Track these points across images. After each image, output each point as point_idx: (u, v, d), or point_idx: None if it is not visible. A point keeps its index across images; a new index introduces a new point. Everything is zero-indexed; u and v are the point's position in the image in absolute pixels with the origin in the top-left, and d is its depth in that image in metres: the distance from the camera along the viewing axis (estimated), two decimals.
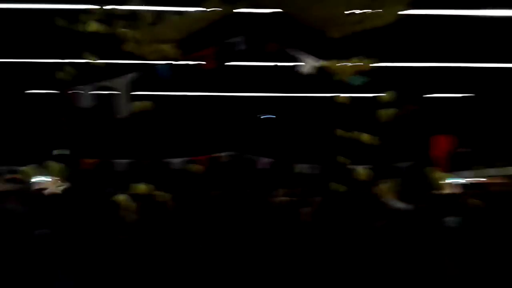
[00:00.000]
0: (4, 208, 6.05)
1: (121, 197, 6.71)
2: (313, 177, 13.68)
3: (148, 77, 7.69)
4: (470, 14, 8.54)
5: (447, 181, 14.80)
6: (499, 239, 4.52)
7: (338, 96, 7.76)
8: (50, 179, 13.56)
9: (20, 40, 9.37)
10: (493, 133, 13.16)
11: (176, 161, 13.61)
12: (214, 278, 4.81)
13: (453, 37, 9.56)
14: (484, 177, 12.08)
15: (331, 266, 4.56)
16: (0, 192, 6.89)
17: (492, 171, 10.96)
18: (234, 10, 6.48)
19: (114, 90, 7.42)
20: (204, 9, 6.40)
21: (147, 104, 6.86)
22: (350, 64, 7.26)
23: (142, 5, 6.54)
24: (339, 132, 8.11)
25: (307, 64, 7.69)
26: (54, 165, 5.24)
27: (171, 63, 7.44)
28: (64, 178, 5.59)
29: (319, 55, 7.50)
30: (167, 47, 6.62)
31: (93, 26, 6.61)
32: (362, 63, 7.22)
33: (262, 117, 15.76)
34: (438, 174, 6.65)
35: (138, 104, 6.85)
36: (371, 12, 5.64)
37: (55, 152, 12.90)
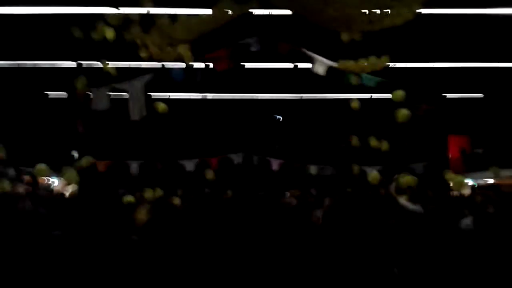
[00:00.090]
0: (21, 209, 6.16)
1: (131, 198, 6.81)
2: (326, 178, 13.64)
3: (163, 79, 7.76)
4: (489, 13, 8.45)
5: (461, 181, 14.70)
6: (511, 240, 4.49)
7: (352, 100, 7.73)
8: (62, 180, 13.75)
9: (35, 44, 9.51)
10: (507, 133, 13.01)
11: (189, 162, 13.67)
12: (225, 279, 4.83)
13: (468, 36, 9.48)
14: (497, 178, 11.95)
15: (343, 268, 4.55)
16: (16, 194, 7.02)
17: (506, 172, 10.82)
18: (247, 11, 6.50)
19: (129, 92, 7.50)
20: (217, 10, 6.44)
21: (164, 106, 6.91)
22: (365, 63, 7.24)
23: (154, 7, 6.60)
24: (355, 140, 8.09)
25: (321, 65, 7.70)
26: (70, 172, 5.31)
27: (185, 66, 7.49)
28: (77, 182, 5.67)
29: (333, 56, 7.50)
30: (181, 49, 6.66)
31: (110, 34, 6.69)
32: (376, 63, 7.20)
33: (276, 117, 15.74)
34: (452, 175, 6.57)
35: (160, 106, 6.91)
36: (390, 11, 5.62)
37: (73, 154, 13.08)
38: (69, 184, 6.35)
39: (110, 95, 7.44)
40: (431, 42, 9.63)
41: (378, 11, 5.79)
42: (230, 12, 6.32)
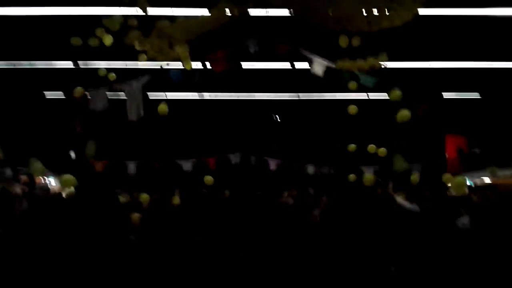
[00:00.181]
0: (18, 209, 6.16)
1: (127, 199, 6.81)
2: (323, 178, 13.68)
3: (161, 80, 7.76)
4: (487, 14, 8.49)
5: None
6: (508, 240, 4.51)
7: (350, 107, 7.75)
8: (57, 181, 13.74)
9: (32, 44, 9.51)
10: (504, 133, 13.06)
11: (186, 162, 13.69)
12: (223, 278, 4.84)
13: (465, 37, 9.52)
14: (494, 178, 11.99)
15: (340, 266, 4.57)
16: (13, 194, 7.02)
17: (503, 171, 10.86)
18: (246, 12, 6.51)
19: (126, 93, 7.50)
20: (215, 11, 6.46)
21: (164, 108, 6.92)
22: (363, 63, 7.26)
23: (149, 7, 6.61)
24: (352, 147, 8.11)
25: (319, 66, 7.71)
26: (67, 176, 5.31)
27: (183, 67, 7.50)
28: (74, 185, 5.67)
29: (331, 57, 7.52)
30: (179, 50, 6.67)
31: (108, 40, 6.72)
32: (375, 61, 7.22)
33: (274, 116, 15.76)
34: (451, 177, 6.59)
35: (161, 107, 6.91)
36: (390, 12, 5.64)
37: (71, 154, 13.07)
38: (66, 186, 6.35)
39: (108, 95, 7.44)
40: (428, 42, 9.66)
41: (376, 12, 5.81)
42: (228, 13, 6.34)
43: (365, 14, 5.68)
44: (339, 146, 14.30)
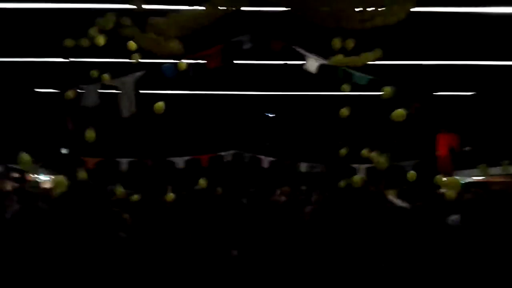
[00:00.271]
0: (8, 206, 6.11)
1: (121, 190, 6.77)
2: (316, 175, 13.71)
3: (153, 76, 7.72)
4: (476, 12, 8.52)
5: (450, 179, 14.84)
6: (499, 238, 4.54)
7: (342, 110, 7.76)
8: (49, 178, 13.67)
9: (25, 39, 9.41)
10: (496, 131, 13.16)
11: (179, 159, 13.65)
12: (216, 276, 4.83)
13: (457, 35, 9.55)
14: (486, 176, 12.08)
15: (332, 264, 4.58)
16: (5, 191, 6.97)
17: (495, 170, 10.95)
18: (239, 8, 6.48)
19: (119, 89, 7.45)
20: (209, 7, 6.42)
21: (161, 105, 6.89)
22: (356, 59, 7.26)
23: (143, 4, 6.56)
24: (343, 152, 8.14)
25: (313, 63, 7.71)
26: (59, 179, 5.26)
27: (176, 62, 7.46)
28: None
29: (325, 54, 7.52)
30: (172, 44, 6.62)
31: (100, 40, 6.67)
32: (369, 56, 7.23)
33: (267, 115, 15.76)
34: (444, 178, 6.64)
35: (158, 105, 6.89)
36: (383, 9, 5.64)
37: (63, 151, 12.99)
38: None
39: (99, 91, 7.39)
40: (421, 40, 9.69)
41: (371, 9, 5.81)
42: (222, 8, 6.31)
43: (358, 11, 5.67)
44: (339, 143, 14.38)
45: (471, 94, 13.65)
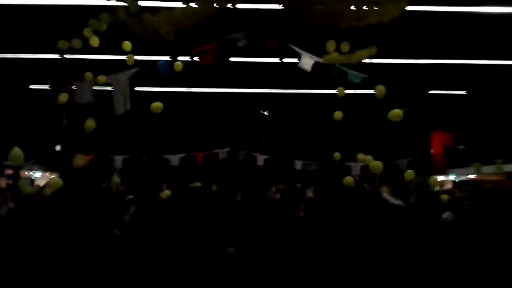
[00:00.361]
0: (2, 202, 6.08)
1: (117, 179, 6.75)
2: (311, 173, 13.73)
3: (148, 73, 7.70)
4: (471, 11, 8.56)
5: (443, 178, 14.95)
6: (490, 236, 4.58)
7: (339, 89, 7.77)
8: (42, 175, 13.63)
9: (20, 36, 9.36)
10: (490, 130, 13.23)
11: (174, 157, 13.63)
12: (210, 274, 4.83)
13: (451, 34, 9.60)
14: (479, 174, 12.18)
15: (326, 262, 4.59)
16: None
17: (488, 168, 11.03)
18: (233, 6, 6.48)
19: (113, 86, 7.43)
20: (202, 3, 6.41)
21: (159, 105, 6.87)
22: (350, 56, 7.27)
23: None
24: (337, 156, 8.18)
25: (307, 61, 7.71)
26: (55, 181, 5.25)
27: (170, 60, 7.45)
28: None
29: (319, 52, 7.52)
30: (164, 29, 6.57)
31: (95, 41, 6.66)
32: (363, 54, 7.24)
33: (263, 112, 15.77)
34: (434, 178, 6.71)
35: (156, 105, 6.87)
36: (378, 8, 5.66)
37: (57, 148, 12.93)
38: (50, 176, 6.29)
39: (93, 88, 7.36)
40: (415, 39, 9.73)
41: (365, 8, 5.83)
42: (215, 5, 6.31)
43: (353, 9, 5.69)
44: (326, 142, 14.42)
45: (465, 93, 13.72)
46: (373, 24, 6.07)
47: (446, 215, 5.34)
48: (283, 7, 6.66)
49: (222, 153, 13.84)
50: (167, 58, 7.60)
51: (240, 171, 13.75)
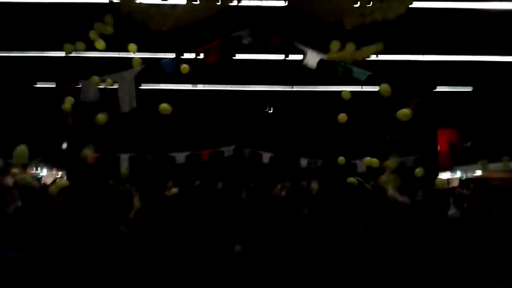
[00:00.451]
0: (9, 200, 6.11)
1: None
2: (316, 171, 13.70)
3: (153, 71, 7.71)
4: (476, 8, 8.51)
5: (450, 175, 14.89)
6: (497, 233, 4.56)
7: (343, 91, 7.74)
8: (49, 172, 13.70)
9: (26, 34, 9.41)
10: (496, 127, 13.16)
11: (179, 154, 13.65)
12: (214, 271, 4.85)
13: (457, 30, 9.54)
14: (485, 171, 12.11)
15: (330, 259, 4.58)
16: (4, 185, 6.96)
17: (494, 165, 10.97)
18: (238, 2, 6.48)
19: (118, 84, 7.44)
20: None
21: (167, 106, 6.87)
22: (356, 53, 7.23)
23: None
24: (341, 160, 8.16)
25: (312, 58, 7.68)
26: (62, 182, 5.28)
27: (175, 58, 7.46)
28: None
29: (324, 49, 7.49)
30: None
31: (101, 45, 6.67)
32: (369, 50, 7.20)
33: (267, 110, 15.75)
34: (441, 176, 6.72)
35: (163, 106, 6.87)
36: (383, 4, 5.64)
37: (63, 146, 12.98)
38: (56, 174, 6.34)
39: (99, 87, 7.39)
40: (420, 36, 9.68)
41: (370, 4, 5.80)
42: (219, 2, 6.31)
43: (358, 6, 5.67)
44: (332, 139, 14.38)
45: (471, 90, 13.64)
46: (378, 21, 6.04)
47: (452, 212, 5.32)
48: (287, 4, 6.64)
49: (228, 150, 13.84)
50: (172, 56, 7.60)
51: (245, 168, 13.74)
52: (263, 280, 5.00)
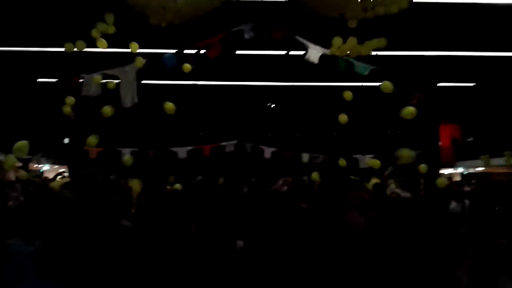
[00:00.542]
0: (11, 195, 6.14)
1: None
2: (318, 166, 13.70)
3: (155, 66, 7.69)
4: (479, 2, 8.46)
5: (452, 170, 14.88)
6: (499, 228, 4.56)
7: (345, 92, 7.73)
8: (51, 167, 13.74)
9: (27, 29, 9.39)
10: (498, 122, 13.13)
11: (181, 150, 13.65)
12: (216, 266, 4.85)
13: (459, 25, 9.49)
14: (488, 167, 12.11)
15: (331, 254, 4.59)
16: (6, 180, 7.00)
17: (496, 160, 10.95)
18: None
19: (120, 79, 7.44)
20: None
21: (171, 106, 6.89)
22: (359, 47, 7.20)
23: None
24: (342, 162, 8.17)
25: (314, 53, 7.66)
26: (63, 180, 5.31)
27: (177, 52, 7.45)
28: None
29: (326, 44, 7.47)
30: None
31: (103, 44, 6.66)
32: (371, 45, 7.18)
33: (270, 105, 15.74)
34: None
35: (168, 105, 6.88)
36: None
37: (65, 141, 13.01)
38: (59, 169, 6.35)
39: (101, 81, 7.39)
40: (423, 31, 9.63)
41: None
42: None
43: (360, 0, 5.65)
44: (333, 134, 14.37)
45: (473, 85, 13.60)
46: (380, 15, 6.01)
47: (453, 206, 5.33)
48: None
49: (229, 146, 13.85)
50: (173, 51, 7.58)
51: (247, 164, 13.76)
52: (265, 276, 5.01)
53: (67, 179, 5.20)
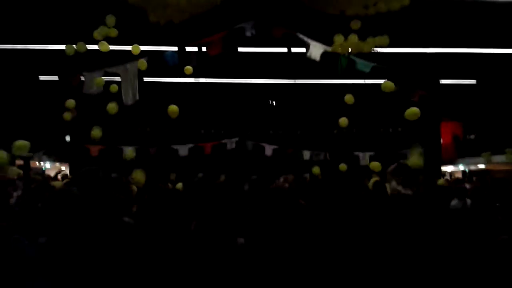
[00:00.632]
0: (12, 192, 6.16)
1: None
2: (319, 163, 13.70)
3: (156, 63, 7.70)
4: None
5: (453, 167, 14.86)
6: (501, 224, 4.56)
7: (347, 95, 7.73)
8: (52, 165, 13.75)
9: (29, 26, 9.39)
10: (500, 119, 13.11)
11: (183, 147, 13.67)
12: (217, 263, 4.87)
13: (461, 22, 9.47)
14: (489, 164, 12.09)
15: (331, 251, 4.60)
16: (8, 178, 7.02)
17: (498, 157, 10.95)
18: None
19: (121, 76, 7.45)
20: None
21: (175, 108, 6.88)
22: (361, 44, 7.18)
23: None
24: (342, 167, 8.16)
25: (315, 50, 7.66)
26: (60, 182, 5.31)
27: (179, 50, 7.45)
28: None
29: (328, 41, 7.45)
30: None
31: (105, 47, 6.66)
32: (374, 42, 7.16)
33: (271, 102, 15.73)
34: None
35: (172, 108, 6.88)
36: None
37: (66, 138, 13.03)
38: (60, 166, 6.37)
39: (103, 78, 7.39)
40: (424, 28, 9.61)
41: None
42: None
43: None
44: (334, 132, 14.36)
45: (474, 82, 13.57)
46: (382, 12, 6.00)
47: (454, 203, 5.33)
48: None
49: (230, 143, 13.85)
50: (174, 48, 7.59)
51: (248, 161, 13.76)
52: (266, 273, 5.02)
53: (67, 179, 5.21)
